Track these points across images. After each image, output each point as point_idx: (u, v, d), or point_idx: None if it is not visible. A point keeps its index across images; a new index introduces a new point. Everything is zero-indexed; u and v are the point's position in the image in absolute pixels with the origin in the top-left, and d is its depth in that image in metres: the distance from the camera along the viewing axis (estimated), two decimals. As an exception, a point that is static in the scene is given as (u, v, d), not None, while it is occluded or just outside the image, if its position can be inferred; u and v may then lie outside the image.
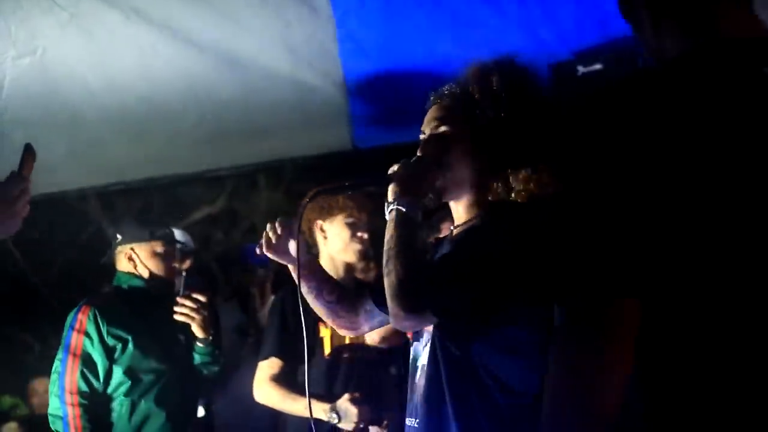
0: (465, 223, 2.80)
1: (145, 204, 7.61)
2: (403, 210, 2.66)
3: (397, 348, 4.40)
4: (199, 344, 4.48)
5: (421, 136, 2.87)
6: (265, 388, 4.44)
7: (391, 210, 2.68)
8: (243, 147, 5.72)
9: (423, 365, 2.74)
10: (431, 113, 2.86)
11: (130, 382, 4.41)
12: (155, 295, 4.61)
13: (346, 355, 4.45)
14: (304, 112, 5.23)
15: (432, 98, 2.90)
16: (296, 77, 4.95)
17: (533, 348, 2.54)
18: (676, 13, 2.04)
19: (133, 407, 4.42)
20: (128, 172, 5.98)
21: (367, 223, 4.56)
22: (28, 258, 8.32)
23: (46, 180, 5.83)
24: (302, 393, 4.27)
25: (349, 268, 4.60)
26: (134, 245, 4.66)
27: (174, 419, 4.41)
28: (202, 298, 4.45)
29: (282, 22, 4.59)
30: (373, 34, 4.67)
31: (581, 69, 4.58)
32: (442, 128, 2.79)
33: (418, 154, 2.82)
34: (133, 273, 4.65)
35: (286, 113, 5.23)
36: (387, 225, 2.68)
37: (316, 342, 4.39)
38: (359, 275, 4.80)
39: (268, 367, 4.45)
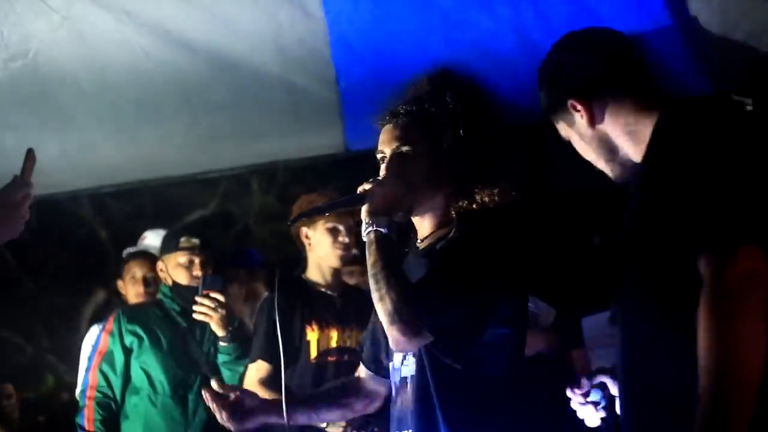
0: (432, 235, 2.85)
1: (138, 206, 7.60)
2: (383, 231, 2.69)
3: None
4: (221, 343, 4.57)
5: (380, 155, 2.91)
6: (255, 391, 4.43)
7: (369, 232, 2.71)
8: (235, 149, 5.72)
9: (408, 377, 2.78)
10: (390, 132, 2.90)
11: (145, 380, 4.61)
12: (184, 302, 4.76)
13: (332, 359, 4.46)
14: (297, 115, 5.23)
15: (386, 116, 2.95)
16: (288, 79, 4.95)
17: (510, 338, 2.71)
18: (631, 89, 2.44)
19: (151, 404, 4.58)
20: (120, 174, 5.97)
21: (352, 227, 4.56)
22: (20, 260, 8.31)
23: (38, 182, 5.81)
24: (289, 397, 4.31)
25: (335, 272, 4.62)
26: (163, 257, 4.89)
27: (192, 418, 4.48)
28: (220, 298, 4.53)
29: (274, 25, 4.58)
30: (365, 37, 4.67)
31: (573, 71, 4.58)
32: (405, 148, 2.83)
33: (383, 173, 2.85)
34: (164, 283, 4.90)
35: (279, 115, 5.23)
36: (367, 248, 2.71)
37: (302, 345, 4.42)
38: (347, 279, 4.81)
39: (255, 371, 4.46)
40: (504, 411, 2.71)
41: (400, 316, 2.59)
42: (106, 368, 4.60)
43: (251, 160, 5.96)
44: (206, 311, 4.50)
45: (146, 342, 4.58)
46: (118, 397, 4.58)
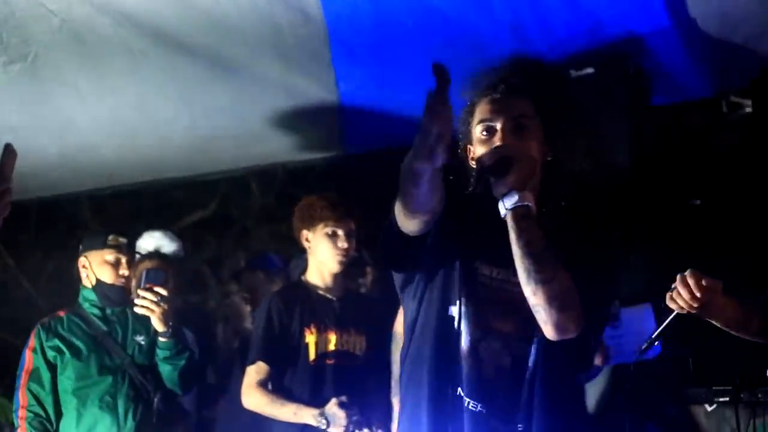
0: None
1: (137, 208, 7.59)
2: (530, 206, 2.54)
3: (381, 354, 4.43)
4: (160, 339, 4.52)
5: (486, 125, 2.72)
6: (252, 393, 4.43)
7: (517, 206, 2.53)
8: (235, 151, 5.72)
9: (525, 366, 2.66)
10: (501, 102, 2.73)
11: (73, 391, 4.50)
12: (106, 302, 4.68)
13: (330, 362, 4.46)
14: (296, 117, 5.23)
15: (489, 87, 2.77)
16: (288, 82, 4.95)
17: None
18: None
19: (80, 416, 4.49)
20: (119, 176, 5.98)
21: (352, 232, 4.55)
22: (20, 262, 8.30)
23: (38, 184, 5.83)
24: (289, 398, 4.36)
25: (335, 276, 4.60)
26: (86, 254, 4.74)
27: (123, 423, 4.45)
28: (162, 292, 4.48)
29: (274, 27, 4.58)
30: (365, 40, 4.67)
31: (573, 73, 4.59)
32: (523, 118, 2.70)
33: (502, 143, 2.65)
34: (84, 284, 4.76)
35: (279, 118, 5.23)
36: (516, 223, 2.52)
37: (300, 347, 4.42)
38: (348, 283, 4.81)
39: (255, 372, 4.45)
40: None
41: (569, 300, 2.48)
42: (34, 387, 4.50)
43: (251, 162, 5.97)
44: (148, 305, 4.44)
45: (67, 355, 4.46)
46: (52, 414, 4.49)
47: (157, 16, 4.49)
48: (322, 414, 4.23)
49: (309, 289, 4.57)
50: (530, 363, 2.64)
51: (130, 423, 4.45)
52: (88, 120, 5.13)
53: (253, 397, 4.43)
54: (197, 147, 5.46)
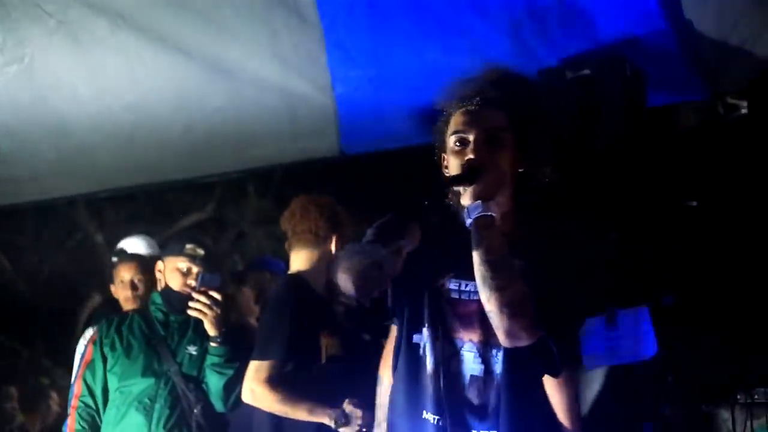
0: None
1: (134, 211, 7.59)
2: (494, 215, 2.62)
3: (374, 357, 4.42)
4: (211, 344, 4.51)
5: (458, 137, 2.78)
6: (260, 389, 4.29)
7: (480, 216, 2.61)
8: (231, 154, 5.72)
9: (468, 374, 2.75)
10: (474, 114, 2.79)
11: (117, 388, 4.53)
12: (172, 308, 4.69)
13: (336, 364, 4.43)
14: (293, 120, 5.23)
15: (463, 99, 2.83)
16: (284, 85, 4.95)
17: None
18: None
19: (117, 413, 4.50)
20: (116, 179, 5.97)
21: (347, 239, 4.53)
22: (17, 265, 8.30)
23: (35, 187, 5.83)
24: (302, 397, 4.26)
25: (331, 286, 4.56)
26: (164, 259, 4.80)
27: (155, 428, 4.43)
28: (217, 296, 4.48)
29: (270, 30, 4.59)
30: (361, 42, 4.67)
31: (569, 75, 4.59)
32: (494, 129, 2.76)
33: (474, 156, 2.72)
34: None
35: (275, 120, 5.23)
36: (477, 232, 2.60)
37: (313, 348, 4.37)
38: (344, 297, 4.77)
39: (265, 368, 4.29)
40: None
41: (521, 308, 2.54)
42: (89, 377, 4.57)
43: (247, 165, 5.96)
44: (202, 308, 4.45)
45: (119, 351, 4.51)
46: (101, 407, 4.53)
47: (153, 18, 4.49)
48: (340, 413, 4.18)
49: (315, 291, 4.52)
50: (498, 369, 2.71)
51: (161, 429, 4.44)
52: (85, 122, 5.12)
53: (262, 394, 4.28)
54: (194, 149, 5.46)
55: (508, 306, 2.54)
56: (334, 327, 4.48)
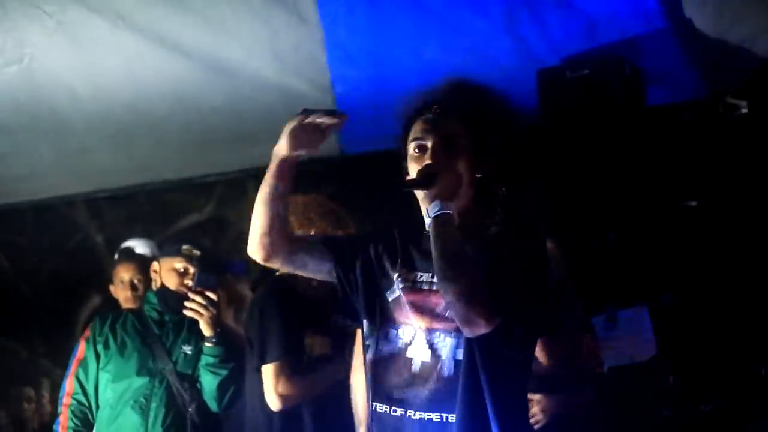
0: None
1: (133, 211, 7.57)
2: (450, 213, 2.74)
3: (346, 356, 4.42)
4: (206, 344, 4.50)
5: (418, 143, 2.92)
6: (288, 383, 4.22)
7: (438, 214, 2.73)
8: (230, 153, 5.72)
9: (434, 361, 2.81)
10: (432, 122, 2.94)
11: (111, 387, 4.53)
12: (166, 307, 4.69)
13: (322, 364, 4.39)
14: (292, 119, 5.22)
15: (422, 108, 2.99)
16: (284, 84, 4.95)
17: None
18: None
19: (112, 412, 4.50)
20: (115, 178, 5.99)
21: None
22: (16, 265, 8.28)
23: (34, 187, 5.83)
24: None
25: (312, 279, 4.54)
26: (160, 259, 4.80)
27: (152, 427, 4.43)
28: (213, 296, 4.48)
29: (270, 30, 4.59)
30: (360, 41, 4.67)
31: (569, 75, 4.59)
32: (451, 135, 2.90)
33: (435, 159, 2.86)
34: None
35: (274, 120, 5.18)
36: (434, 229, 2.73)
37: (302, 349, 4.35)
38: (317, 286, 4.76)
39: (278, 372, 4.22)
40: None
41: (477, 297, 2.63)
42: (81, 375, 4.58)
43: (247, 164, 5.96)
44: (198, 308, 4.45)
45: (112, 349, 4.51)
46: (93, 405, 4.53)
47: (152, 18, 4.49)
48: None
49: (296, 290, 4.48)
50: (453, 355, 2.78)
51: (158, 428, 4.44)
52: (84, 122, 5.12)
53: (292, 385, 4.22)
54: (193, 149, 5.46)
55: (464, 294, 2.63)
56: (318, 326, 4.46)
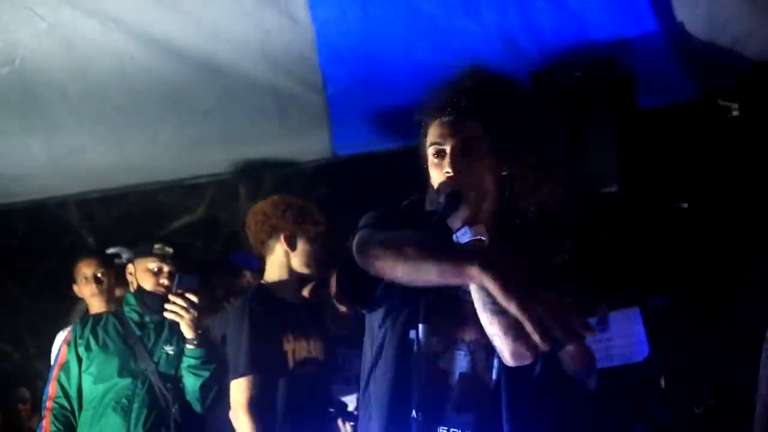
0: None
1: (125, 212, 7.57)
2: (484, 240, 2.61)
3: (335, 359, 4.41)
4: (188, 346, 4.48)
5: (436, 148, 2.77)
6: (243, 417, 4.17)
7: (470, 243, 2.59)
8: (223, 155, 5.72)
9: (456, 370, 2.73)
10: (451, 125, 2.78)
11: (93, 389, 4.51)
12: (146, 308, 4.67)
13: (305, 369, 4.37)
14: (284, 120, 5.23)
15: (439, 109, 2.82)
16: (276, 85, 4.95)
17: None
18: None
19: (95, 414, 4.48)
20: (107, 179, 5.97)
21: (318, 237, 4.50)
22: (7, 266, 8.28)
23: (26, 188, 5.82)
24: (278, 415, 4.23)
25: (295, 283, 4.53)
26: (134, 261, 4.77)
27: (134, 428, 4.42)
28: (193, 298, 4.46)
29: (261, 31, 4.58)
30: (352, 43, 4.67)
31: (560, 77, 4.60)
32: (472, 141, 2.75)
33: (451, 171, 2.71)
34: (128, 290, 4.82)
35: (266, 121, 5.23)
36: (474, 290, 2.59)
37: (282, 356, 4.30)
38: (301, 289, 4.75)
39: (244, 389, 4.18)
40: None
41: (524, 330, 2.39)
42: (63, 379, 4.55)
43: (239, 166, 5.96)
44: (178, 310, 4.43)
45: (94, 352, 4.48)
46: (76, 408, 4.50)
47: (144, 20, 4.49)
48: None
49: (277, 295, 4.45)
50: (494, 372, 2.71)
51: (139, 429, 4.41)
52: (76, 124, 5.11)
53: (243, 423, 4.17)
54: (185, 150, 5.45)
55: (513, 329, 2.50)
56: (302, 329, 4.42)
